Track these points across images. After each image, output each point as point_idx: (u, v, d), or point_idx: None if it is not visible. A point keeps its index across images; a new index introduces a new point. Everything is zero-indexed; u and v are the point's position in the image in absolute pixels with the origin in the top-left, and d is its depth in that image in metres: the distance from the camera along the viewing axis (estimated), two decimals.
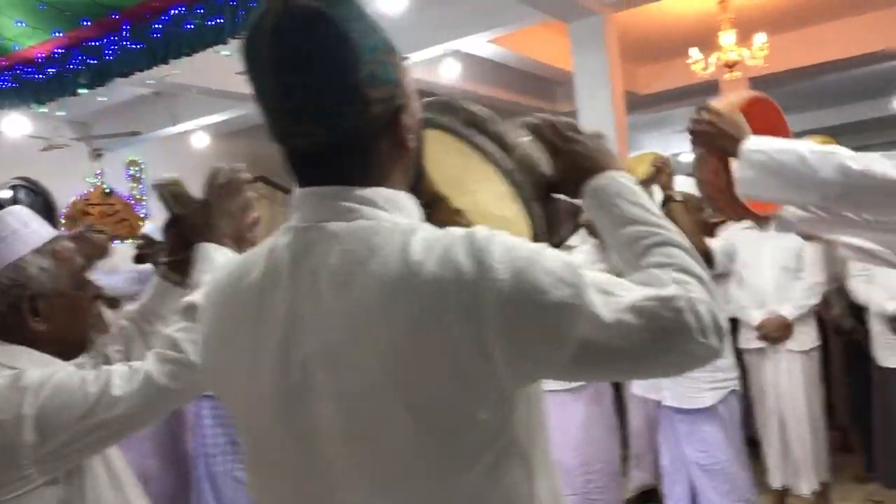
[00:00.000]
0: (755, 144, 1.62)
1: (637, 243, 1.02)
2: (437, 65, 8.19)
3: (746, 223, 4.32)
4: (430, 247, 0.88)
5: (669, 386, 3.42)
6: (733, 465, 3.33)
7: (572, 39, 7.10)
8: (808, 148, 1.56)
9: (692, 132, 1.71)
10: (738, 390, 3.50)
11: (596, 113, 7.05)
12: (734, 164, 1.66)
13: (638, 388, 3.68)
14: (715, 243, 3.44)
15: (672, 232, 1.02)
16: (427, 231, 0.91)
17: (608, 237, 1.08)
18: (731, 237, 4.27)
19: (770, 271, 4.12)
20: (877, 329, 3.88)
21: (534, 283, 0.86)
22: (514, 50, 8.03)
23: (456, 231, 0.90)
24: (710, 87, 9.33)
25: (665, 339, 0.89)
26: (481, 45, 7.61)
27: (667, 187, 3.32)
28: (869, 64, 9.44)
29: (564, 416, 3.51)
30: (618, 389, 4.75)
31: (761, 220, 2.31)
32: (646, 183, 3.31)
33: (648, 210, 1.06)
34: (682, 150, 16.36)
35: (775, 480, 4.09)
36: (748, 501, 3.35)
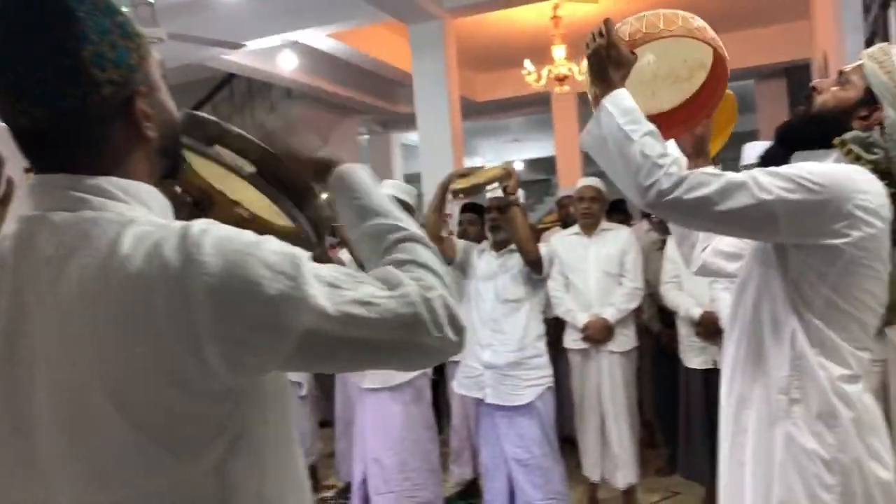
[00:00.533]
0: (613, 102, 1.62)
1: (381, 237, 1.06)
2: (274, 55, 7.99)
3: (574, 229, 4.55)
4: (141, 240, 0.86)
5: (491, 384, 3.53)
6: (548, 460, 3.49)
7: (412, 41, 7.16)
8: (649, 146, 1.56)
9: (588, 52, 1.70)
10: (552, 387, 3.67)
11: (433, 116, 7.15)
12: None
13: (460, 387, 3.76)
14: (541, 248, 3.61)
15: (412, 226, 1.07)
16: (145, 224, 0.89)
17: (351, 228, 1.11)
18: (557, 243, 4.49)
19: (594, 276, 4.37)
20: (683, 332, 4.20)
21: (246, 276, 0.85)
22: (356, 47, 8.00)
23: (174, 224, 0.89)
24: (543, 99, 9.75)
25: (397, 331, 0.92)
26: (321, 38, 7.53)
27: (511, 192, 3.46)
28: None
29: (384, 415, 3.54)
30: (437, 387, 4.86)
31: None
32: (492, 181, 3.44)
33: (389, 204, 1.11)
34: (514, 157, 16.98)
35: (594, 474, 4.32)
36: (560, 494, 3.52)
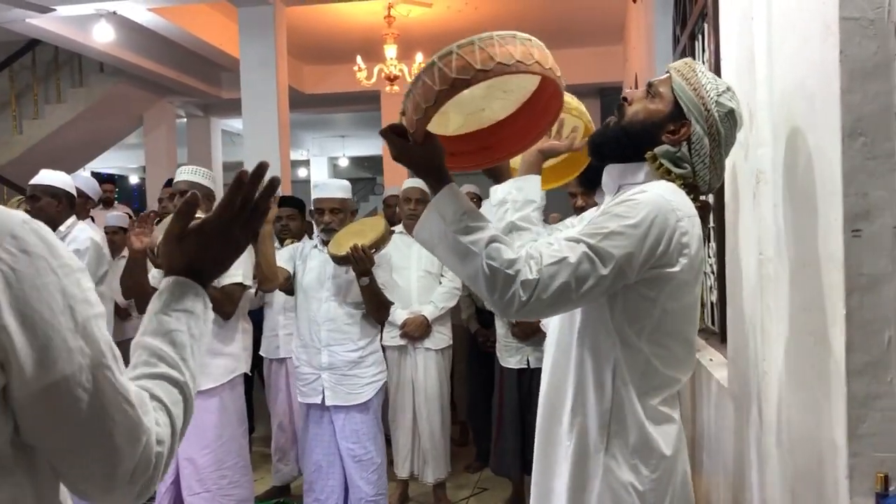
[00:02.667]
0: (439, 208, 1.56)
1: (152, 359, 1.05)
2: (88, 25, 7.42)
3: (399, 228, 4.59)
4: None
5: (329, 386, 3.48)
6: (380, 455, 3.51)
7: (241, 25, 6.92)
8: (494, 254, 1.49)
9: (393, 154, 1.59)
10: (386, 383, 3.71)
11: (259, 104, 6.95)
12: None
13: (300, 395, 3.66)
14: None
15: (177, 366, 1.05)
16: None
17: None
18: None
19: (416, 275, 4.43)
20: (500, 332, 4.35)
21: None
22: (180, 25, 7.60)
23: None
24: (373, 97, 9.73)
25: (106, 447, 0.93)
26: (141, 11, 7.08)
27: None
28: None
29: (198, 416, 3.38)
30: (248, 381, 4.72)
31: None
32: (377, 245, 3.39)
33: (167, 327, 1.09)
34: (339, 153, 16.86)
35: (403, 470, 4.38)
36: (385, 489, 3.54)
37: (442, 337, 4.48)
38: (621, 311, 1.62)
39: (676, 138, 1.68)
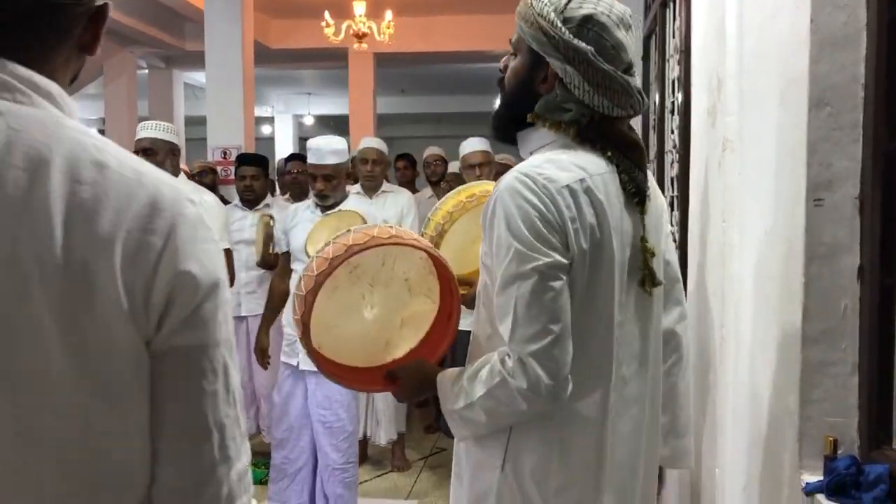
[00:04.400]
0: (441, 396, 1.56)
1: None
2: None
3: (356, 189, 4.55)
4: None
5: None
6: (352, 423, 3.50)
7: None
8: (479, 389, 1.44)
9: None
10: None
11: (223, 58, 6.80)
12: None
13: (282, 355, 3.61)
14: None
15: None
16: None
17: None
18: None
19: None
20: None
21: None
22: None
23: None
24: (340, 54, 9.59)
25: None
26: None
27: None
28: (477, 61, 10.49)
29: None
30: None
31: None
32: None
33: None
34: (305, 111, 16.63)
35: (358, 432, 4.40)
36: (356, 457, 3.54)
37: None
38: None
39: (547, 85, 1.44)
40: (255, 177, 4.60)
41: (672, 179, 3.80)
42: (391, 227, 1.64)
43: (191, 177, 5.43)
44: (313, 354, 1.61)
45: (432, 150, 5.75)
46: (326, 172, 3.30)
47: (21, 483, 0.77)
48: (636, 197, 1.47)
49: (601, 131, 1.45)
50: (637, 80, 1.47)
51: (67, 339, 0.76)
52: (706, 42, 2.40)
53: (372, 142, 4.56)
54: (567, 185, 1.38)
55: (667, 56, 3.97)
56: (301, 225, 3.42)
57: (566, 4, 1.41)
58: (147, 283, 0.79)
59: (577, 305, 1.39)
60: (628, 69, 1.44)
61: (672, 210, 3.77)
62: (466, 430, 1.53)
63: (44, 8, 0.81)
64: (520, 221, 1.36)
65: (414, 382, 1.67)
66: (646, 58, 4.86)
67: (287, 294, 3.47)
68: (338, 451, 3.41)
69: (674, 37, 3.65)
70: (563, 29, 1.39)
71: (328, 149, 3.30)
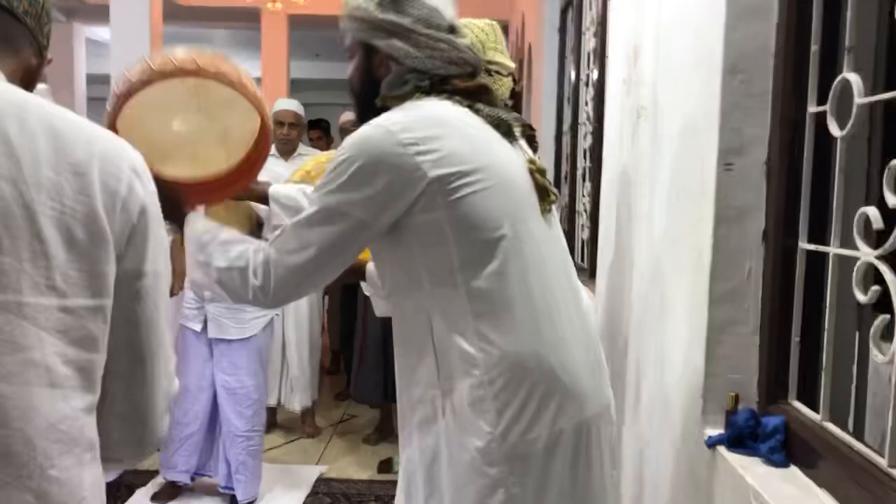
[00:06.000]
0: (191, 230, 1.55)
1: None
2: None
3: (271, 151, 4.45)
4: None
5: (214, 318, 3.34)
6: (259, 391, 3.44)
7: None
8: (220, 257, 1.47)
9: None
10: (273, 319, 3.61)
11: (129, 12, 6.51)
12: None
13: (181, 318, 3.49)
14: None
15: None
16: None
17: None
18: None
19: None
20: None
21: None
22: None
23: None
24: (252, 14, 9.32)
25: None
26: None
27: None
28: None
29: None
30: None
31: None
32: None
33: None
34: None
35: (271, 398, 4.34)
36: (261, 425, 3.49)
37: None
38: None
39: (384, 67, 1.49)
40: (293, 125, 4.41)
41: (585, 151, 3.87)
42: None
43: None
44: None
45: (347, 116, 5.66)
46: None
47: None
48: (501, 128, 1.48)
49: (444, 89, 1.48)
50: (465, 40, 1.51)
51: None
52: (624, 13, 2.44)
53: (288, 104, 4.44)
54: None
55: (583, 29, 4.02)
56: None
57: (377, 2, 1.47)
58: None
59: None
60: (452, 30, 1.50)
61: (584, 181, 3.85)
62: (198, 273, 1.54)
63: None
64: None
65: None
66: (562, 30, 4.91)
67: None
68: (241, 417, 3.36)
69: (590, 9, 3.70)
70: (378, 10, 1.46)
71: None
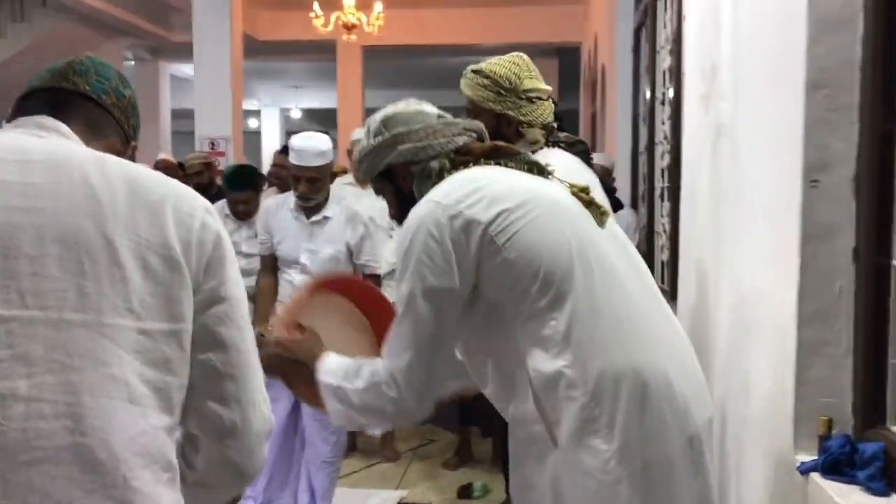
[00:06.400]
0: (323, 372, 1.58)
1: None
2: None
3: (349, 179, 4.54)
4: None
5: None
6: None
7: None
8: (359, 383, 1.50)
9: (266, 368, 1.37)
10: None
11: (212, 49, 6.77)
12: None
13: None
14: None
15: None
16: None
17: None
18: (339, 190, 4.47)
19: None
20: None
21: None
22: None
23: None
24: (328, 46, 9.57)
25: None
26: None
27: None
28: (467, 54, 10.51)
29: None
30: None
31: None
32: None
33: None
34: (293, 104, 16.56)
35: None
36: (343, 452, 3.54)
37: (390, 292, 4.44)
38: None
39: (407, 177, 1.58)
40: (246, 201, 4.08)
41: (662, 170, 3.82)
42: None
43: (186, 175, 5.33)
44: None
45: None
46: (310, 175, 3.14)
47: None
48: (533, 170, 1.56)
49: (464, 160, 1.55)
50: (453, 118, 1.62)
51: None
52: (700, 29, 2.41)
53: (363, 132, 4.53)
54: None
55: (657, 47, 3.98)
56: (288, 235, 3.29)
57: (372, 136, 1.60)
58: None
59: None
60: (441, 117, 1.61)
61: (663, 201, 3.79)
62: (339, 405, 1.55)
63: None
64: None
65: (302, 351, 1.66)
66: (635, 50, 4.88)
67: (275, 288, 3.42)
68: (327, 443, 3.38)
69: (665, 27, 3.67)
70: (374, 138, 1.59)
71: (313, 150, 3.12)
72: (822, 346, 1.50)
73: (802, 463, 1.46)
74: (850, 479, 1.38)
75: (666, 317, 1.50)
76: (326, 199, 3.25)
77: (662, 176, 3.82)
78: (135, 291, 0.91)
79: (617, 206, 2.35)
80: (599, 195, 1.70)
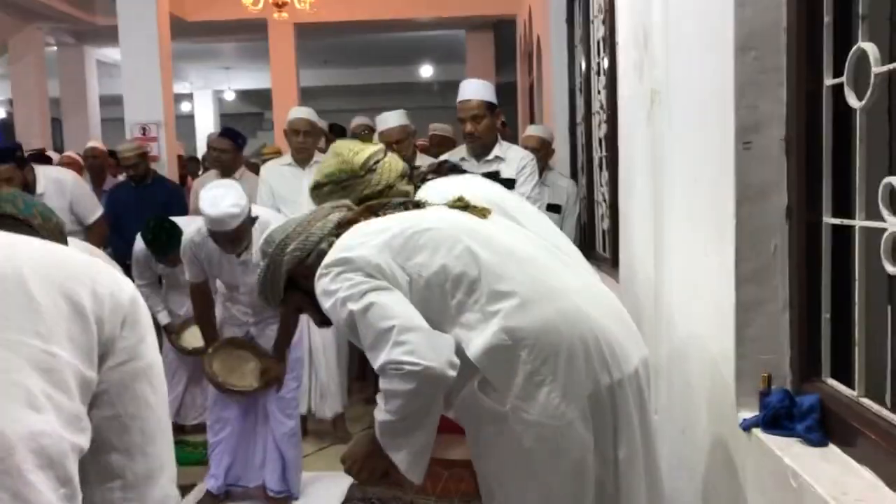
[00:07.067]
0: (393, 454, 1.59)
1: None
2: None
3: (287, 160, 4.47)
4: None
5: (258, 335, 3.47)
6: (298, 398, 3.59)
7: None
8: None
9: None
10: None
11: (139, 32, 6.56)
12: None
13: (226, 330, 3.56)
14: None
15: None
16: None
17: None
18: (270, 173, 4.41)
19: (307, 208, 4.32)
20: None
21: None
22: None
23: None
24: (259, 26, 9.35)
25: None
26: None
27: None
28: (401, 30, 10.39)
29: None
30: None
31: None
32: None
33: None
34: (225, 86, 16.22)
35: (301, 406, 4.36)
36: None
37: None
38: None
39: (304, 269, 1.72)
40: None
41: (600, 140, 3.85)
42: None
43: (120, 166, 5.29)
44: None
45: (359, 120, 5.69)
46: (230, 237, 3.12)
47: None
48: (409, 206, 1.81)
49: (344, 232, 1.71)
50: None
51: None
52: None
53: (301, 111, 4.45)
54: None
55: (591, 17, 4.00)
56: (223, 270, 3.35)
57: (262, 260, 1.80)
58: None
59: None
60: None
61: (601, 170, 3.83)
62: (414, 432, 1.58)
63: None
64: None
65: (365, 450, 1.69)
66: (570, 21, 4.89)
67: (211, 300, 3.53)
68: (291, 418, 3.49)
69: None
70: (267, 259, 1.76)
71: (226, 216, 3.05)
72: (759, 304, 1.53)
73: (744, 419, 1.50)
74: (790, 433, 1.42)
75: (575, 269, 1.70)
76: (249, 243, 3.20)
77: (600, 145, 3.86)
78: (44, 321, 0.89)
79: (510, 184, 2.60)
80: (481, 191, 1.93)
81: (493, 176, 2.52)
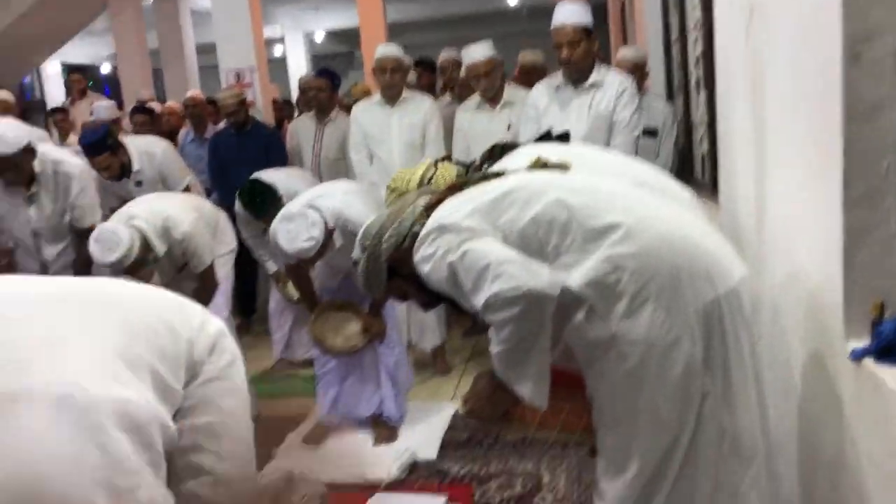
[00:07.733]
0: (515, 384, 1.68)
1: None
2: None
3: (376, 98, 4.46)
4: None
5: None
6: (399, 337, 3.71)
7: None
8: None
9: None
10: None
11: None
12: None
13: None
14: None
15: None
16: None
17: None
18: (360, 113, 4.42)
19: (398, 147, 4.33)
20: None
21: None
22: None
23: None
24: None
25: None
26: None
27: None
28: None
29: None
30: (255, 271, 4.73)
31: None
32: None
33: None
34: (314, 27, 16.29)
35: (402, 338, 4.46)
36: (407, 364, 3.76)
37: None
38: None
39: (403, 254, 1.81)
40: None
41: (696, 59, 3.67)
42: None
43: (219, 114, 5.48)
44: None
45: (446, 54, 5.59)
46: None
47: None
48: (490, 178, 1.84)
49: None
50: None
51: None
52: None
53: (387, 49, 4.41)
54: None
55: None
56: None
57: (361, 253, 1.90)
58: None
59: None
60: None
61: (699, 91, 3.66)
62: (530, 356, 1.65)
63: None
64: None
65: (484, 389, 1.81)
66: None
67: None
68: (396, 346, 3.61)
69: None
70: (366, 252, 1.88)
71: (301, 249, 3.11)
72: (870, 228, 1.44)
73: (854, 350, 1.43)
74: None
75: (667, 199, 1.78)
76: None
77: (696, 64, 3.68)
78: (133, 331, 1.08)
79: (566, 138, 2.64)
80: (552, 150, 1.98)
81: (547, 136, 2.66)
